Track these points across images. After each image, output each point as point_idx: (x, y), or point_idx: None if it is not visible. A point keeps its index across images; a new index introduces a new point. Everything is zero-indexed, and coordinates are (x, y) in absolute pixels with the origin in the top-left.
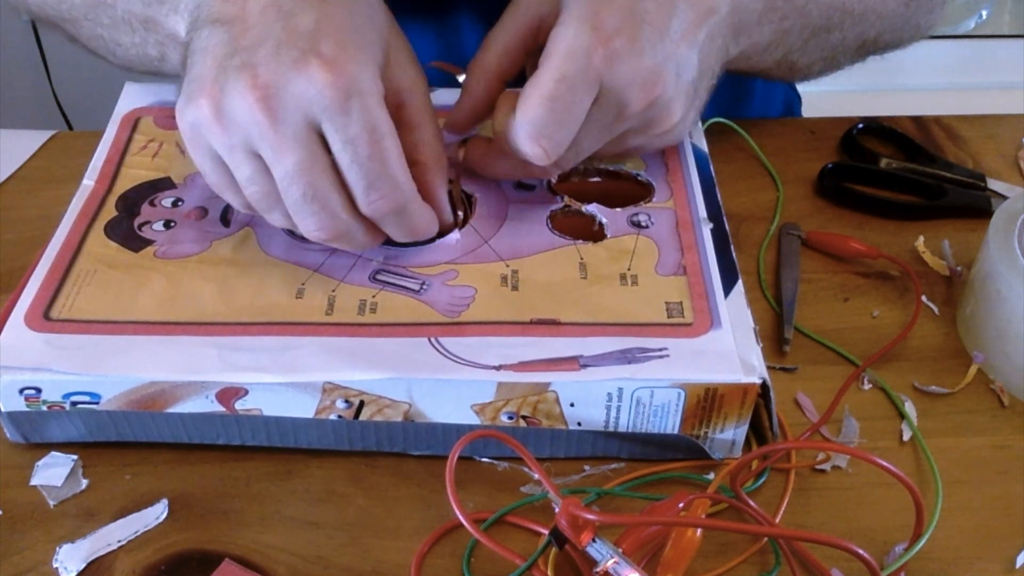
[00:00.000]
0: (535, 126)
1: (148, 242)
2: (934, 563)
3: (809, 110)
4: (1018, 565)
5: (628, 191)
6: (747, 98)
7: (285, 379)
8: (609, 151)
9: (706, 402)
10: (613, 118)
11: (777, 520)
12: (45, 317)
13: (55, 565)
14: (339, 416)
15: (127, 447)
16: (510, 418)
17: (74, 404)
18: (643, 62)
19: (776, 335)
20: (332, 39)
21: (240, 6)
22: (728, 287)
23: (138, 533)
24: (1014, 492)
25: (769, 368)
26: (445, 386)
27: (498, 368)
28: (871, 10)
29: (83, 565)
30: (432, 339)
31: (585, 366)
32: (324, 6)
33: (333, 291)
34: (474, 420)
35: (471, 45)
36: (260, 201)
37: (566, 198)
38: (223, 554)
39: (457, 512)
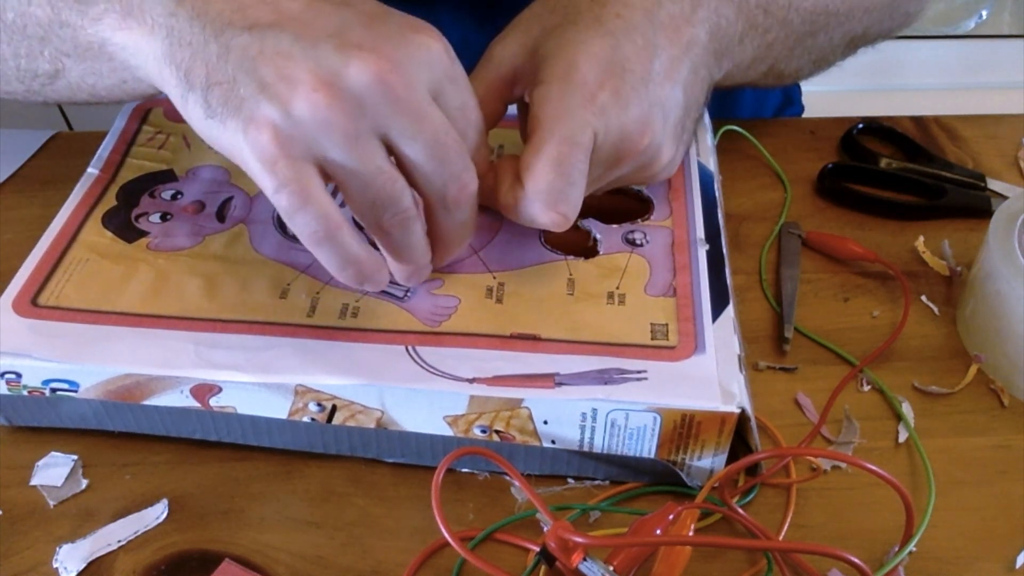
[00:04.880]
0: (550, 194)
1: (143, 233)
2: (934, 563)
3: (809, 110)
4: (1018, 565)
5: (627, 207)
6: (740, 91)
7: (257, 379)
8: (596, 192)
9: (683, 428)
10: (604, 170)
11: (780, 523)
12: (33, 303)
13: (55, 565)
14: (312, 419)
15: (127, 447)
16: (483, 432)
17: (54, 391)
18: (630, 113)
19: (776, 335)
20: (406, 16)
21: (274, 9)
22: (717, 311)
23: (138, 533)
24: (1014, 492)
25: (769, 368)
26: (417, 396)
27: (471, 381)
28: (857, 7)
29: (83, 565)
30: (409, 348)
31: (560, 384)
32: None
33: (318, 293)
34: (447, 431)
35: (452, 42)
36: (388, 193)
37: None
38: (223, 554)
39: (444, 531)
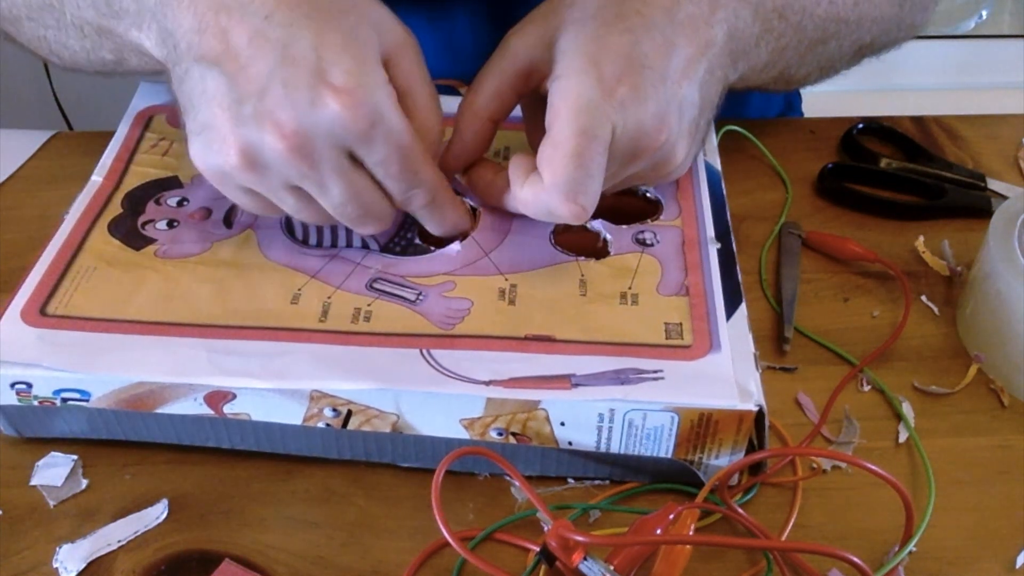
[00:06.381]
0: (570, 185)
1: (150, 241)
2: (934, 563)
3: (809, 110)
4: (1018, 565)
5: (636, 207)
6: (746, 95)
7: (272, 385)
8: (609, 189)
9: (700, 427)
10: (619, 166)
11: (780, 523)
12: (41, 313)
13: (55, 565)
14: (327, 424)
15: (127, 447)
16: (499, 434)
17: (65, 401)
18: (647, 109)
19: (776, 335)
20: (336, 64)
21: (222, 40)
22: (731, 309)
23: (138, 533)
24: (1014, 492)
25: (769, 368)
26: (434, 399)
27: (488, 383)
28: (866, 16)
29: (83, 565)
30: (424, 351)
31: (577, 385)
32: (312, 23)
33: (329, 298)
34: (463, 435)
35: (467, 40)
36: (310, 219)
37: None
38: (223, 554)
39: (444, 531)
